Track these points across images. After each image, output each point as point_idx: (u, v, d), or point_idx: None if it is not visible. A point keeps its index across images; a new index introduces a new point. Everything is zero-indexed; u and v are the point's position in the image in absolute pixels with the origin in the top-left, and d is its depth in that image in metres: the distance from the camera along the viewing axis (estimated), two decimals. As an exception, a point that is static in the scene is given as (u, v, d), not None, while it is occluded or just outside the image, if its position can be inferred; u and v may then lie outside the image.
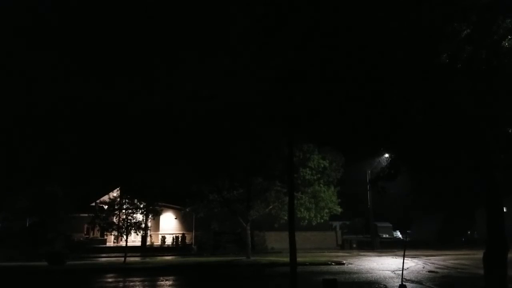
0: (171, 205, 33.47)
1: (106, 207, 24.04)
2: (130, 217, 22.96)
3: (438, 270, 17.79)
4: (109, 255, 28.06)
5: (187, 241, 32.62)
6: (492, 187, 8.78)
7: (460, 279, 15.20)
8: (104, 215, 23.35)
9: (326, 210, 27.55)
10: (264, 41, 10.24)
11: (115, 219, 23.63)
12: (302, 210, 26.78)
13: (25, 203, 27.62)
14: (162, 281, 15.99)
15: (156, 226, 33.85)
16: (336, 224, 43.34)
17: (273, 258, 23.70)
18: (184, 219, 33.29)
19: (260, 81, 12.86)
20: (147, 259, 25.29)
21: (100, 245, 31.48)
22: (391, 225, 45.66)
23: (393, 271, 17.19)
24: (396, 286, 12.28)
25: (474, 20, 7.18)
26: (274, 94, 12.50)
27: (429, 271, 17.25)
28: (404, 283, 11.80)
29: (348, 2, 8.33)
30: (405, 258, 13.67)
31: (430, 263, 20.79)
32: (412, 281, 14.13)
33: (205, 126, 22.43)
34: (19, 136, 25.46)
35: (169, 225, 34.35)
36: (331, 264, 20.98)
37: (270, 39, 9.92)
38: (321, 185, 26.79)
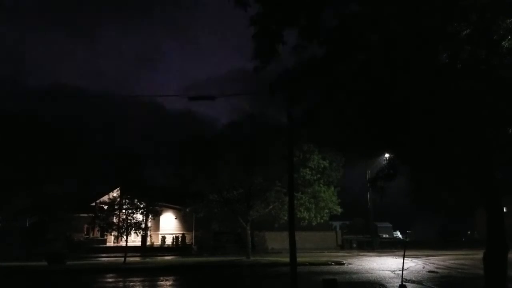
0: (171, 205, 33.47)
1: (106, 207, 24.03)
2: (130, 217, 22.95)
3: (438, 270, 17.79)
4: (109, 255, 28.06)
5: (187, 241, 32.61)
6: (492, 187, 8.78)
7: (460, 279, 15.21)
8: (104, 215, 23.34)
9: (326, 210, 27.55)
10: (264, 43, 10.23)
11: (115, 219, 23.62)
12: (302, 210, 26.78)
13: (25, 203, 27.60)
14: (162, 281, 15.99)
15: (156, 226, 33.84)
16: (336, 224, 43.29)
17: (273, 258, 23.70)
18: (184, 219, 33.29)
19: (260, 80, 12.85)
20: (147, 259, 25.29)
21: (100, 245, 31.47)
22: (391, 225, 45.63)
23: (393, 271, 17.19)
24: (396, 286, 12.28)
25: (474, 20, 7.17)
26: (274, 94, 12.49)
27: (429, 271, 17.25)
28: (404, 283, 11.80)
29: (348, 2, 8.33)
30: (405, 258, 13.67)
31: (430, 263, 20.79)
32: (412, 281, 14.13)
33: (205, 126, 22.43)
34: (19, 136, 25.44)
35: (169, 225, 34.35)
36: (331, 264, 20.98)
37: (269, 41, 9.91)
38: (321, 185, 26.79)
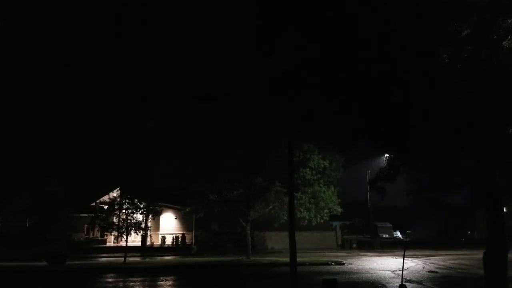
0: (171, 205, 33.48)
1: (106, 207, 24.05)
2: (130, 217, 22.96)
3: (438, 270, 17.79)
4: (109, 255, 28.06)
5: (187, 241, 32.62)
6: (492, 187, 8.78)
7: (460, 279, 15.21)
8: (104, 215, 23.35)
9: (326, 210, 27.54)
10: (263, 43, 10.24)
11: (115, 219, 23.63)
12: (302, 210, 26.78)
13: (25, 203, 27.61)
14: (162, 281, 15.99)
15: (156, 226, 33.85)
16: (336, 224, 43.34)
17: (273, 258, 23.70)
18: (184, 219, 33.29)
19: (260, 80, 12.85)
20: (147, 259, 25.29)
21: (100, 245, 31.48)
22: (391, 225, 45.69)
23: (393, 271, 17.19)
24: (396, 286, 12.29)
25: (474, 20, 7.17)
26: (274, 94, 12.50)
27: (429, 271, 17.26)
28: (404, 283, 11.80)
29: (347, 1, 8.33)
30: (405, 258, 13.67)
31: (430, 263, 20.79)
32: (412, 281, 14.13)
33: (205, 126, 22.45)
34: (18, 136, 25.47)
35: (169, 225, 34.36)
36: (331, 264, 20.98)
37: (268, 42, 9.91)
38: (321, 185, 26.78)
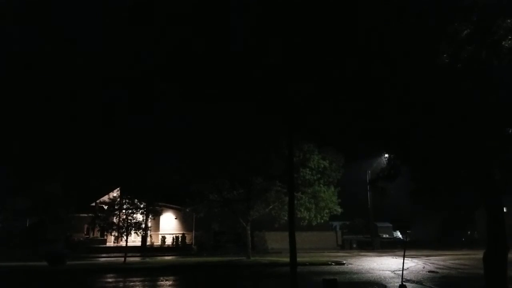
0: (171, 205, 33.48)
1: (106, 207, 24.03)
2: (130, 217, 22.94)
3: (438, 270, 17.79)
4: (109, 255, 28.06)
5: (187, 241, 32.62)
6: (492, 187, 8.78)
7: (460, 279, 15.21)
8: (104, 215, 23.33)
9: (326, 210, 27.56)
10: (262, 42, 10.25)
11: (115, 219, 23.62)
12: (302, 210, 26.80)
13: (25, 203, 27.61)
14: (162, 281, 15.99)
15: (156, 226, 33.85)
16: (336, 224, 43.32)
17: (273, 258, 23.70)
18: (184, 219, 33.30)
19: (260, 80, 12.86)
20: (147, 259, 25.28)
21: (100, 245, 31.48)
22: (391, 225, 45.64)
23: (393, 271, 17.19)
24: (396, 286, 12.29)
25: (474, 20, 7.18)
26: (274, 94, 12.52)
27: (429, 271, 17.25)
28: (404, 283, 11.81)
29: (348, 2, 8.33)
30: (405, 258, 13.67)
31: (430, 263, 20.79)
32: (412, 281, 14.13)
33: (205, 126, 22.42)
34: (19, 136, 25.51)
35: (169, 225, 34.36)
36: (331, 264, 20.97)
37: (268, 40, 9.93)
38: (321, 185, 26.79)
